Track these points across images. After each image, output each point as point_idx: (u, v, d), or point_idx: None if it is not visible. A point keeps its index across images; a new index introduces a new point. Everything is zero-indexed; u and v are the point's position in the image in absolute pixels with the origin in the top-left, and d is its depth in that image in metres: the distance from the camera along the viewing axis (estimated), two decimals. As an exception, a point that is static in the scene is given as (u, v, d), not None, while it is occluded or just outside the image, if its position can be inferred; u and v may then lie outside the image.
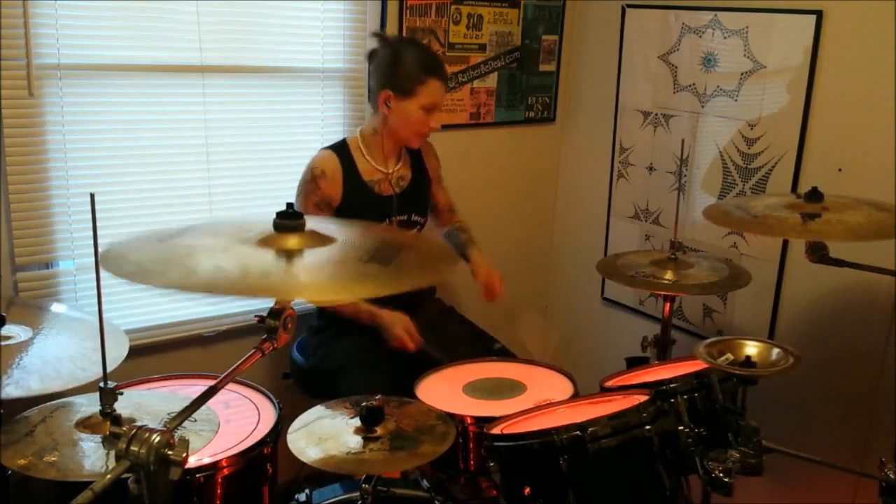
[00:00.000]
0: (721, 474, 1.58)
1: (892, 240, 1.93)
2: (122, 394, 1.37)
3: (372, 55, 2.32)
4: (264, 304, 1.28)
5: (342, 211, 2.29)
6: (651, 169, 2.89)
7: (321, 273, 1.24)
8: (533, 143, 3.16)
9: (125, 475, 1.05)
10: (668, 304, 2.28)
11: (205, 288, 1.17)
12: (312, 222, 1.31)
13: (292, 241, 1.27)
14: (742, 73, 2.54)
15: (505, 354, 2.33)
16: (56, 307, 1.89)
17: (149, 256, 1.25)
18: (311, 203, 2.25)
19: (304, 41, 2.54)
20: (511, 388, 2.03)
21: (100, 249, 1.25)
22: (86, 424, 1.40)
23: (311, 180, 2.26)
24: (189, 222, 1.42)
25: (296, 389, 2.41)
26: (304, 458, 1.53)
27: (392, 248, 1.40)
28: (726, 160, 2.62)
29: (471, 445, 1.85)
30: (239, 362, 1.24)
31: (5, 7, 2.01)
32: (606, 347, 3.15)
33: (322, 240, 1.32)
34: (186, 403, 1.19)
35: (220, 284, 1.16)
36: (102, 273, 1.25)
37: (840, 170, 2.32)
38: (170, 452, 1.06)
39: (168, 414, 1.43)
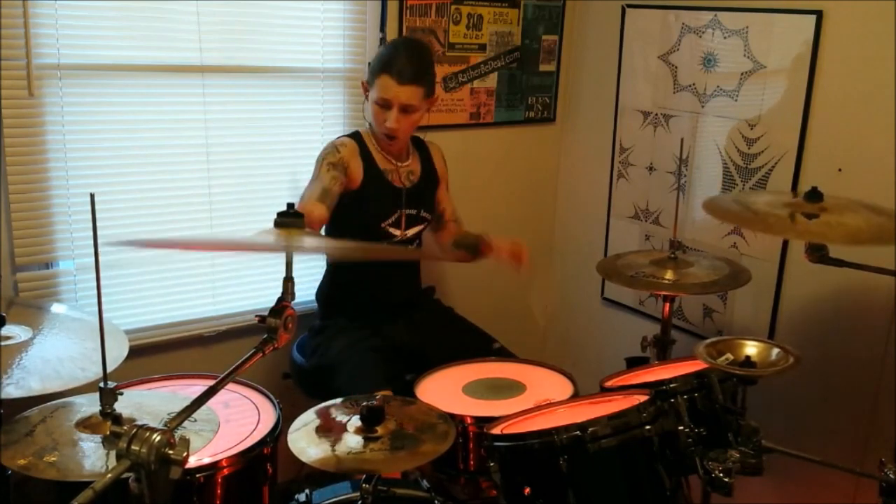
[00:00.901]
0: (721, 474, 1.58)
1: (887, 245, 1.92)
2: (122, 394, 1.37)
3: None
4: (265, 303, 1.28)
5: (360, 197, 2.29)
6: (651, 169, 2.89)
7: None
8: (533, 143, 3.16)
9: (126, 475, 1.06)
10: (668, 304, 2.28)
11: (186, 244, 1.19)
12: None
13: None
14: (742, 73, 2.54)
15: (504, 354, 2.34)
16: (56, 307, 1.89)
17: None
18: (327, 163, 2.24)
19: (304, 41, 2.54)
20: (511, 388, 2.04)
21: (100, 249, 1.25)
22: (86, 424, 1.40)
23: (332, 147, 2.28)
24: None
25: (296, 389, 2.41)
26: (304, 458, 1.53)
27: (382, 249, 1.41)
28: (726, 160, 2.62)
29: (471, 445, 1.85)
30: (239, 362, 1.25)
31: (5, 7, 2.01)
32: (606, 347, 3.15)
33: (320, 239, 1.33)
34: (186, 403, 1.19)
35: (203, 240, 1.18)
36: (102, 272, 1.25)
37: (840, 170, 2.32)
38: (170, 452, 1.06)
39: (168, 414, 1.43)
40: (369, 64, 2.31)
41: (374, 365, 2.16)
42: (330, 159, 2.26)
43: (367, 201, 2.30)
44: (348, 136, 2.36)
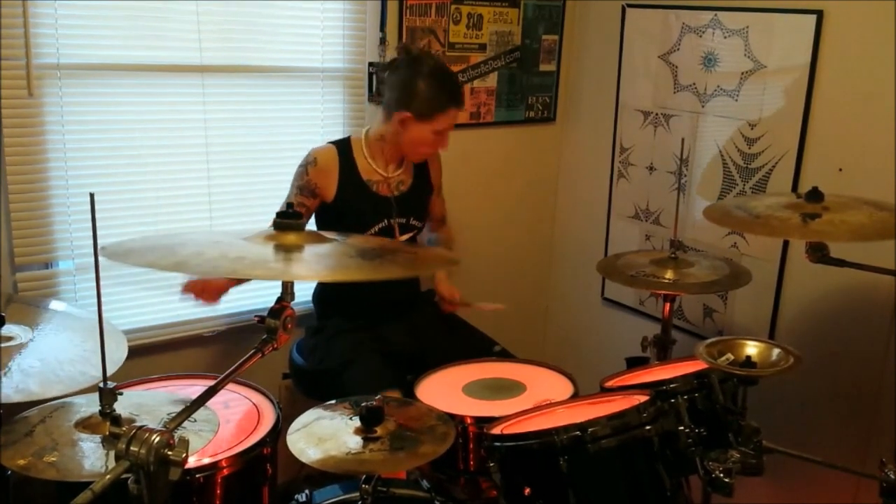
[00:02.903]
0: (721, 475, 1.58)
1: (892, 240, 1.93)
2: (121, 394, 1.36)
3: (394, 66, 2.31)
4: (264, 303, 1.28)
5: (338, 205, 2.30)
6: (651, 169, 2.89)
7: (299, 260, 1.26)
8: (533, 143, 3.16)
9: (125, 475, 1.05)
10: (668, 304, 2.28)
11: (176, 267, 1.20)
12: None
13: (290, 237, 1.29)
14: (742, 73, 2.53)
15: (505, 356, 2.33)
16: (55, 304, 1.89)
17: (144, 244, 1.27)
18: (296, 186, 2.31)
19: (304, 41, 2.54)
20: (511, 389, 2.03)
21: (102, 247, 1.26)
22: (85, 425, 1.39)
23: (303, 165, 2.32)
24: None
25: (295, 390, 2.41)
26: (303, 459, 1.53)
27: (381, 250, 1.41)
28: (726, 160, 2.62)
29: (471, 445, 1.85)
30: (239, 362, 1.25)
31: (5, 7, 2.00)
32: (606, 347, 3.15)
33: (320, 239, 1.33)
34: (186, 403, 1.19)
35: (191, 264, 1.19)
36: (102, 272, 1.25)
37: (840, 170, 2.32)
38: (169, 453, 1.06)
39: (168, 414, 1.43)
40: (411, 97, 2.24)
41: (383, 366, 2.16)
42: (299, 182, 2.31)
43: (347, 212, 2.31)
44: (335, 142, 2.36)
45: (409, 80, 2.25)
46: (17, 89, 2.07)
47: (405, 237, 2.39)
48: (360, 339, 2.27)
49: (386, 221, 2.35)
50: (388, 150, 2.35)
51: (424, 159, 2.42)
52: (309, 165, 2.30)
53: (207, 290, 2.16)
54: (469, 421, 1.84)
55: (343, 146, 2.35)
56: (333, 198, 2.30)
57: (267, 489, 1.73)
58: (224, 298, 2.52)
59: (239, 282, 2.24)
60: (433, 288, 2.60)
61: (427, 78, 2.24)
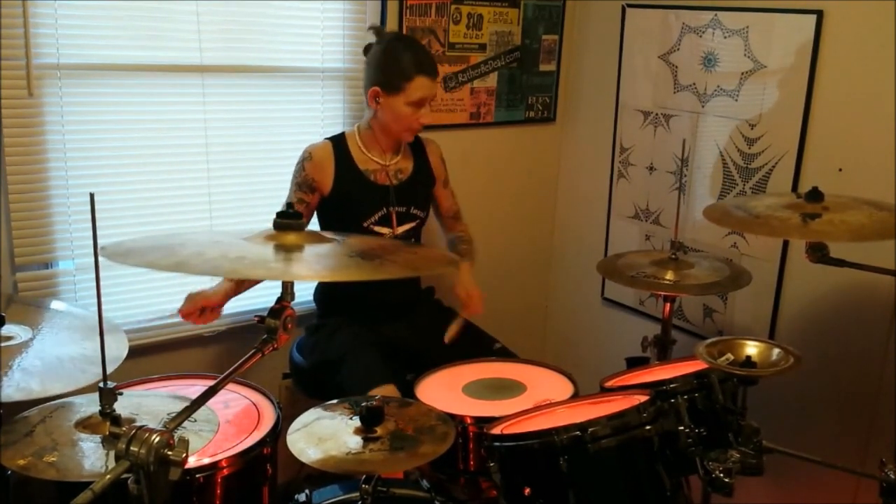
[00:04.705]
0: (721, 474, 1.58)
1: (892, 240, 1.93)
2: (121, 394, 1.36)
3: (366, 50, 2.34)
4: (265, 303, 1.28)
5: (336, 197, 2.31)
6: (651, 169, 2.89)
7: (299, 260, 1.26)
8: (533, 143, 3.16)
9: (125, 475, 1.05)
10: (668, 305, 2.28)
11: (176, 267, 1.20)
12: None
13: (290, 238, 1.29)
14: (742, 73, 2.53)
15: (505, 354, 2.33)
16: (55, 304, 1.89)
17: (144, 244, 1.28)
18: (294, 183, 2.33)
19: (304, 41, 2.54)
20: (511, 388, 2.03)
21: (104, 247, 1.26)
22: (85, 424, 1.39)
23: (300, 161, 2.33)
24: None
25: (296, 390, 2.41)
26: (303, 459, 1.53)
27: (381, 250, 1.41)
28: (726, 160, 2.62)
29: (471, 445, 1.85)
30: (239, 362, 1.25)
31: (5, 7, 2.00)
32: (606, 347, 3.15)
33: (320, 239, 1.33)
34: (186, 403, 1.19)
35: (191, 264, 1.19)
36: (102, 272, 1.26)
37: (840, 170, 2.32)
38: (169, 453, 1.06)
39: (168, 414, 1.43)
40: (378, 70, 2.26)
41: (378, 360, 2.17)
42: (297, 179, 2.32)
43: (345, 203, 2.32)
44: (330, 137, 2.37)
45: (377, 55, 2.27)
46: (17, 89, 2.07)
47: (405, 227, 2.39)
48: (359, 334, 2.28)
49: (384, 210, 2.34)
50: (380, 137, 2.35)
51: (412, 136, 2.37)
52: (305, 161, 2.31)
53: (207, 308, 2.17)
54: (469, 421, 1.84)
55: (338, 140, 2.36)
56: (331, 190, 2.31)
57: (267, 489, 1.73)
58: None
59: (238, 291, 2.24)
60: (433, 286, 2.60)
61: (393, 50, 2.25)
